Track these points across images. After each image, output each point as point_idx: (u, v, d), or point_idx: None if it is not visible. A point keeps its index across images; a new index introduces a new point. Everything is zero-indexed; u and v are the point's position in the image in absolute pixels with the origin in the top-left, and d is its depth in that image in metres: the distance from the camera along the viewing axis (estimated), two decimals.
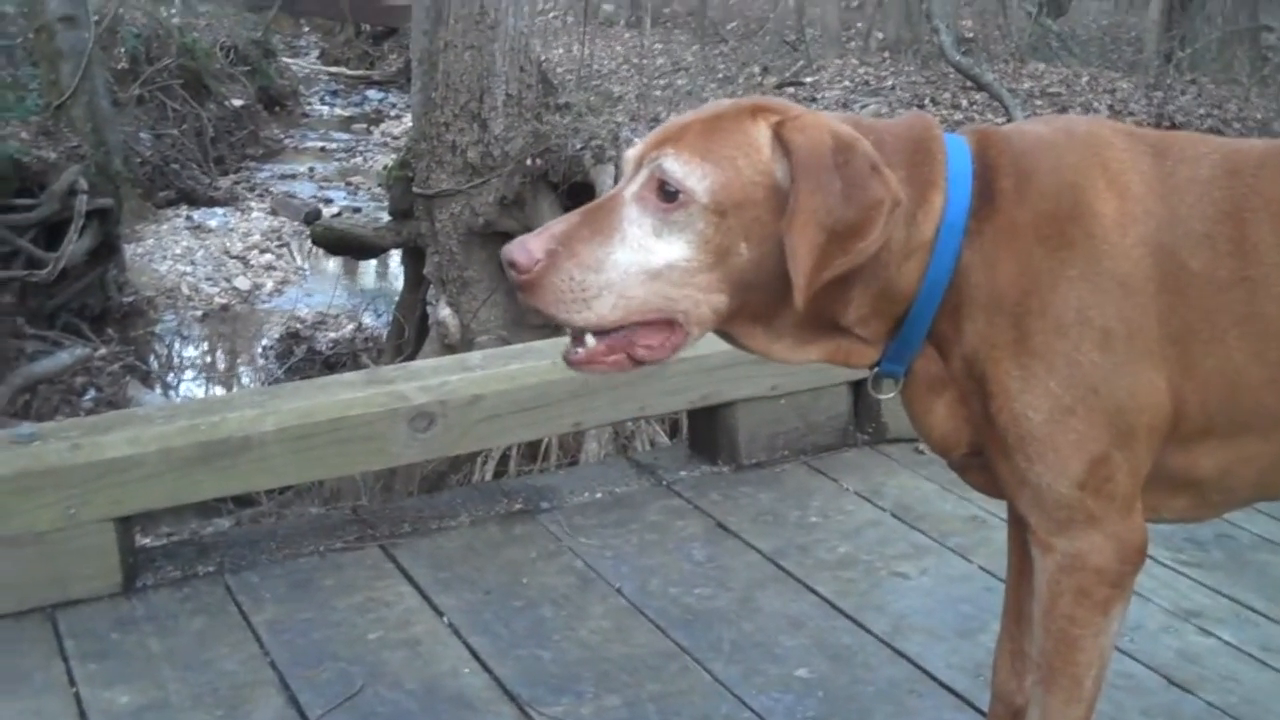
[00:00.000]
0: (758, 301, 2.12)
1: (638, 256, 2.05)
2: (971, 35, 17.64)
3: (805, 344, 2.21)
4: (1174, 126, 12.04)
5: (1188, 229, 2.12)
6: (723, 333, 2.19)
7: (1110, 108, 12.59)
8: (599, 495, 4.09)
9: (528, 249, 2.04)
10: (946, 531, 3.84)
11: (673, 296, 2.06)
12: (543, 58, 11.19)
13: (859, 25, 18.33)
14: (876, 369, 2.26)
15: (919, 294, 2.15)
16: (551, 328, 9.06)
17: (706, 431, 4.34)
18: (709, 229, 2.04)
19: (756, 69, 14.05)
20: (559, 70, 12.56)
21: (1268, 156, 2.20)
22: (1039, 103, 12.58)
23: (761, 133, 2.08)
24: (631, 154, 2.14)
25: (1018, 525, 2.42)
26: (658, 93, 11.96)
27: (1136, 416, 2.11)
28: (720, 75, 13.79)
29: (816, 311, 2.12)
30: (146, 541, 4.37)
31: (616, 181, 8.05)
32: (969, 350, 2.15)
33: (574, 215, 2.11)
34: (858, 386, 4.38)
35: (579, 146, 9.28)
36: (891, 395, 2.29)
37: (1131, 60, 16.71)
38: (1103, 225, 2.10)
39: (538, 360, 3.92)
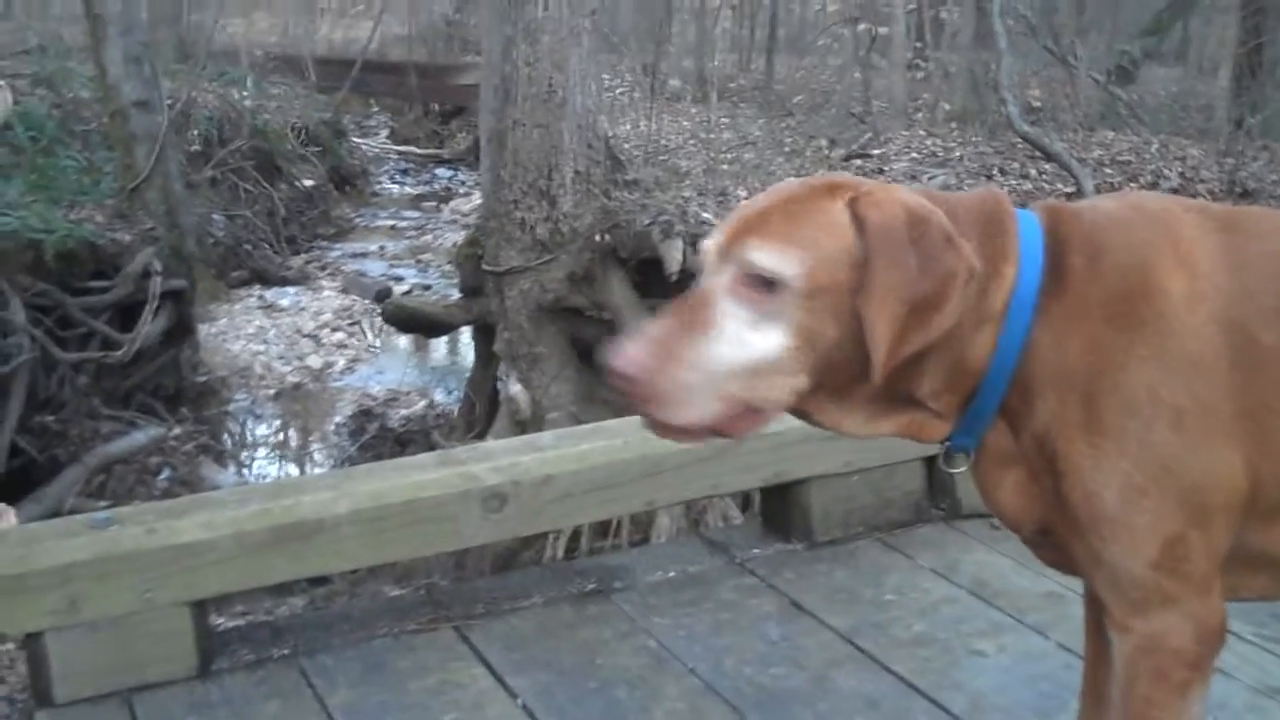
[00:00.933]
0: (835, 379, 2.11)
1: (737, 351, 2.04)
2: (1039, 104, 17.60)
3: (878, 418, 2.19)
4: (1246, 193, 11.96)
5: (1259, 304, 2.10)
6: (796, 410, 2.17)
7: (1181, 175, 12.51)
8: (672, 574, 4.07)
9: (630, 358, 2.03)
10: (1024, 608, 3.79)
11: (763, 388, 2.06)
12: (610, 134, 11.25)
13: (925, 96, 18.33)
14: (948, 443, 2.24)
15: (990, 367, 2.14)
16: (617, 405, 9.06)
17: (780, 508, 4.32)
18: (801, 315, 2.03)
19: (823, 142, 14.07)
20: (626, 146, 12.62)
21: None
22: (1109, 171, 12.53)
23: (840, 211, 2.08)
24: (712, 245, 2.13)
25: (1094, 605, 2.40)
26: (724, 167, 11.99)
27: (1212, 495, 2.09)
28: (787, 149, 13.82)
29: (891, 385, 2.11)
30: (221, 622, 4.39)
31: (687, 264, 8.08)
32: (1039, 428, 2.13)
33: (667, 317, 2.09)
34: (931, 462, 4.34)
35: (647, 222, 9.32)
36: (963, 470, 2.27)
37: (1202, 127, 16.62)
38: (1172, 304, 2.09)
39: (609, 440, 3.92)
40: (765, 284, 2.03)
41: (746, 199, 2.26)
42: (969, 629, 3.71)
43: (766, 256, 2.03)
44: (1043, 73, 18.28)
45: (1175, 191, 11.46)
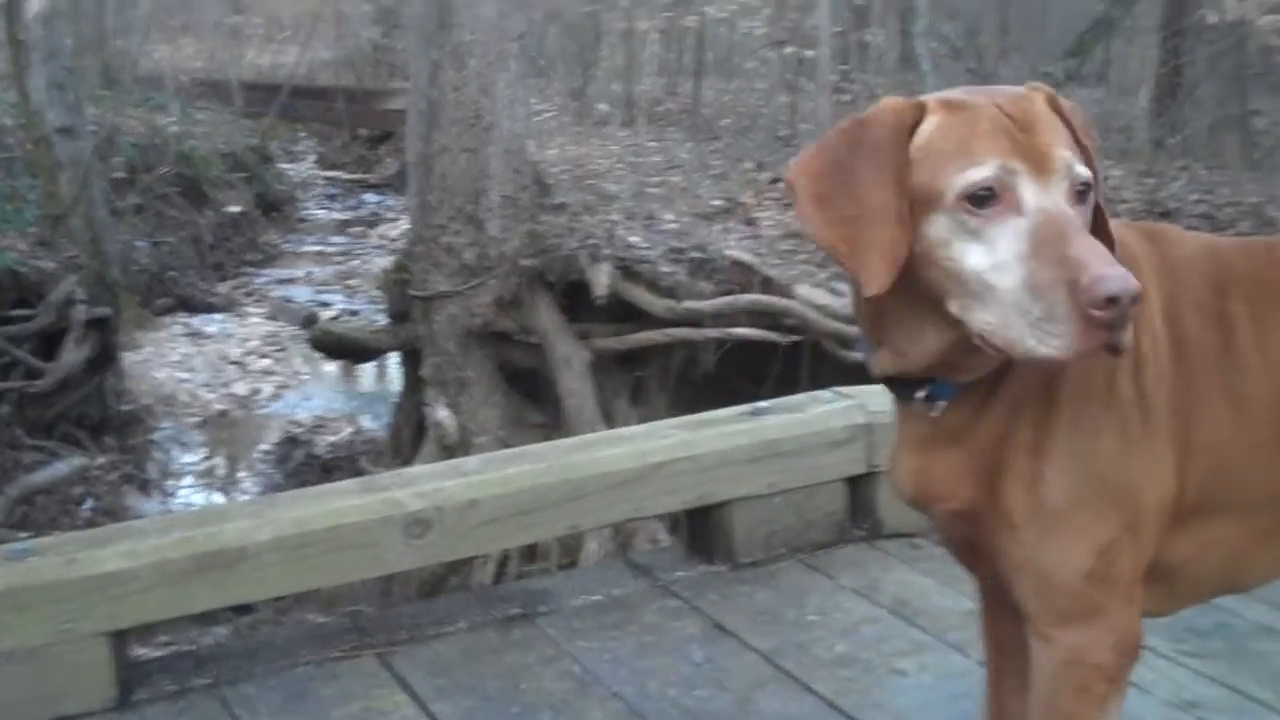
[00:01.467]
0: None
1: None
2: None
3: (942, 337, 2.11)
4: (1166, 213, 12.10)
5: (1186, 300, 2.16)
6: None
7: (1103, 195, 12.64)
8: (596, 597, 4.07)
9: (1128, 277, 1.85)
10: (944, 627, 3.82)
11: None
12: (537, 158, 11.27)
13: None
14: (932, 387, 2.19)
15: None
16: (546, 429, 9.04)
17: (703, 531, 4.32)
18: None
19: (750, 164, 14.10)
20: (554, 170, 12.63)
21: (1233, 241, 2.29)
22: None
23: (1047, 106, 2.06)
24: (1013, 164, 1.95)
25: (996, 614, 2.40)
26: (652, 190, 12.01)
27: (1147, 495, 2.12)
28: (715, 171, 13.85)
29: None
30: (145, 653, 4.35)
31: (614, 288, 8.05)
32: (1017, 394, 2.12)
33: (1076, 236, 1.91)
34: (853, 483, 4.38)
35: (574, 246, 9.35)
36: (939, 414, 2.18)
37: (1123, 147, 16.80)
38: None
39: (533, 464, 3.92)
40: (1083, 194, 1.98)
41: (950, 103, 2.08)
42: (890, 648, 3.73)
43: (1079, 166, 1.98)
44: None
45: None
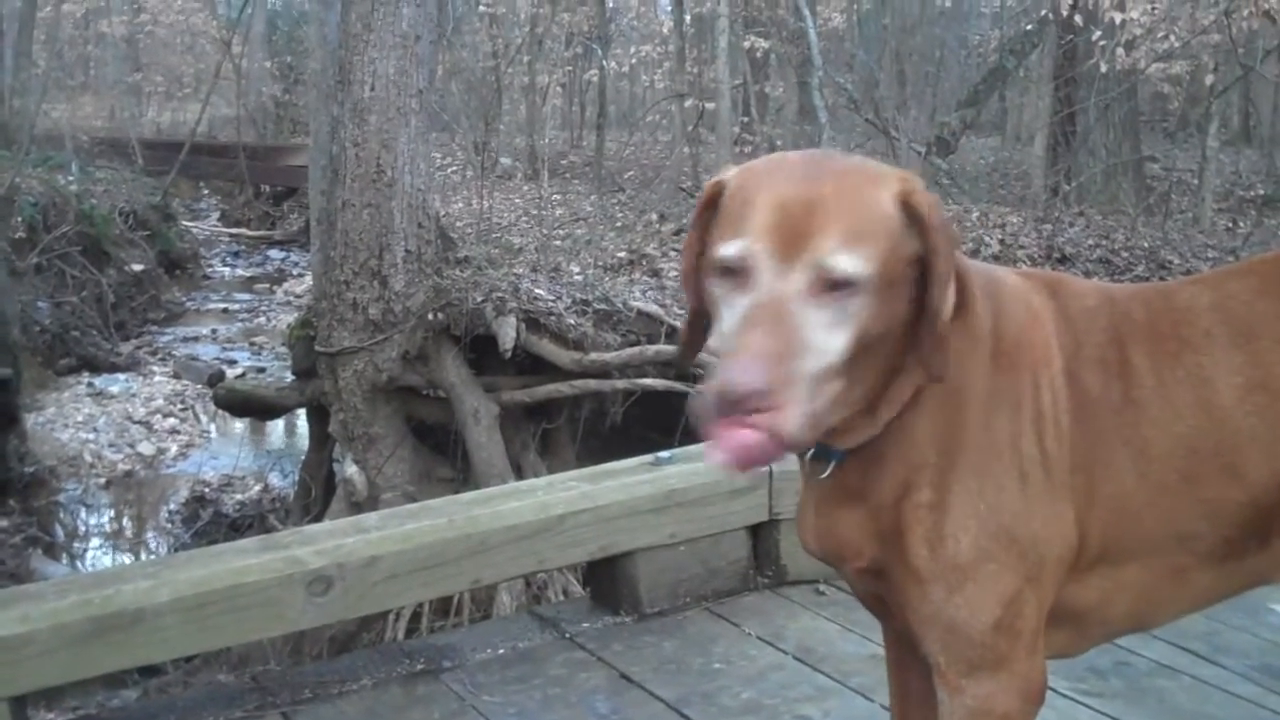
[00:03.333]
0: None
1: (819, 361, 1.92)
2: None
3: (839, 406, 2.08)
4: (1064, 258, 12.30)
5: (1087, 355, 2.19)
6: None
7: (1001, 241, 12.83)
8: (501, 651, 4.06)
9: (751, 370, 1.84)
10: (848, 671, 3.84)
11: (829, 389, 1.96)
12: (441, 213, 11.27)
13: None
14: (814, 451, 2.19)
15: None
16: (455, 483, 9.01)
17: (608, 582, 4.33)
18: (866, 315, 1.95)
19: (654, 216, 14.20)
20: (458, 224, 12.66)
21: (1133, 290, 2.31)
22: None
23: (890, 203, 2.01)
24: (761, 246, 1.96)
25: (901, 663, 2.43)
26: (558, 243, 12.06)
27: (1048, 549, 2.14)
28: (619, 223, 13.94)
29: (855, 383, 2.04)
30: (52, 717, 4.30)
31: (521, 341, 8.03)
32: (914, 455, 2.13)
33: (751, 330, 1.90)
34: (756, 530, 4.41)
35: (480, 300, 9.34)
36: (826, 475, 2.20)
37: (1020, 195, 17.07)
38: (1035, 355, 2.16)
39: (434, 519, 3.91)
40: (839, 285, 1.92)
41: (756, 181, 2.08)
42: (795, 694, 3.75)
43: (842, 258, 1.93)
44: (866, 145, 18.66)
45: (996, 258, 11.74)
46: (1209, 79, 15.31)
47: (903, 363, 2.09)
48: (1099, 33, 14.22)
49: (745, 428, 1.85)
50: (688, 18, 24.73)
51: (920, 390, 2.11)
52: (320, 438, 10.59)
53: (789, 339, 1.88)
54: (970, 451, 2.11)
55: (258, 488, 12.11)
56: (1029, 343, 2.17)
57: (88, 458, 12.67)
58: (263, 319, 18.48)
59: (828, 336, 1.92)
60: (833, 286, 1.92)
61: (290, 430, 14.09)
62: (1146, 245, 12.83)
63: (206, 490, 12.10)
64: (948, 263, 2.01)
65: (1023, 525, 2.11)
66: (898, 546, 2.15)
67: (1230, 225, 15.26)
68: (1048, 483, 2.13)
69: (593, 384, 9.58)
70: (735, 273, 1.97)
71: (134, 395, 14.42)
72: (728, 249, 1.97)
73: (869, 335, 1.96)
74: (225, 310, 19.16)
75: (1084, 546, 2.18)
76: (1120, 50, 13.88)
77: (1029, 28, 17.96)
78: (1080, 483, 2.15)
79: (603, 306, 9.75)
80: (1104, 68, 14.25)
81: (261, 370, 15.08)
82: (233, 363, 15.93)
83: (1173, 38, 14.94)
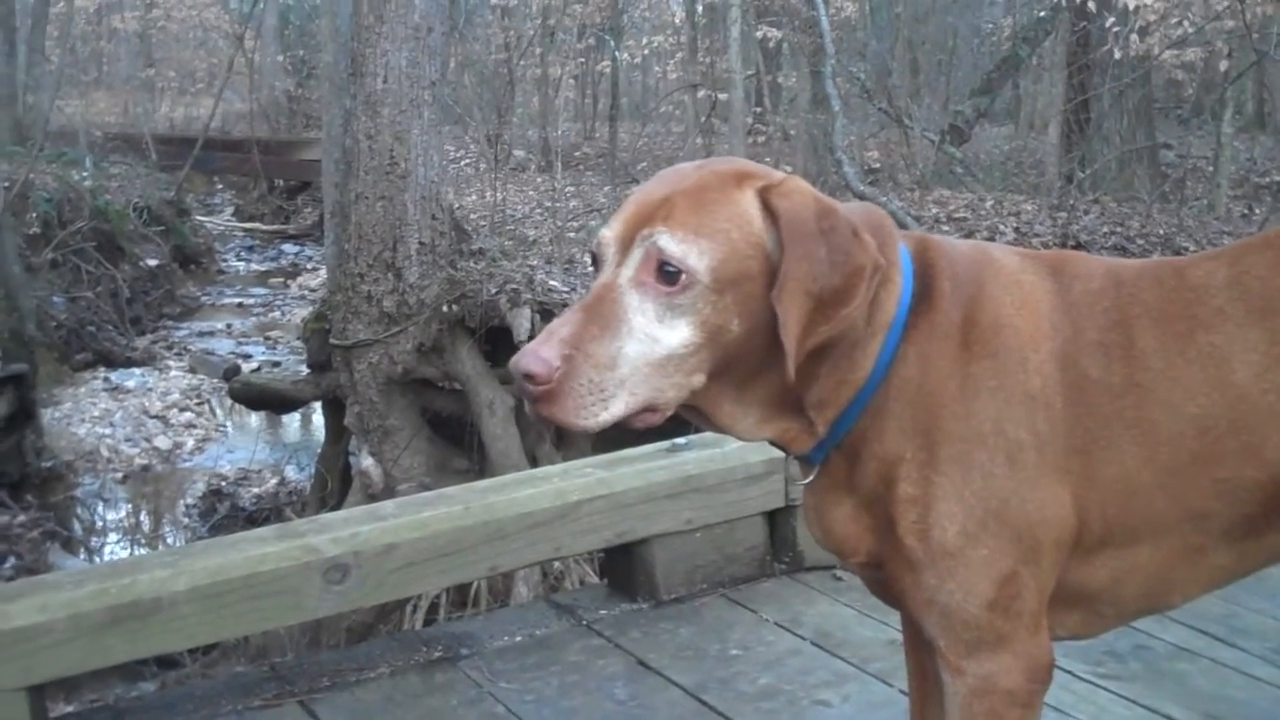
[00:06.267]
0: (732, 375, 2.08)
1: (645, 348, 1.98)
2: (877, 165, 17.94)
3: (766, 422, 2.17)
4: (1079, 246, 12.23)
5: (1087, 339, 2.17)
6: (690, 408, 2.12)
7: (1016, 229, 12.80)
8: (519, 638, 4.06)
9: (543, 358, 1.94)
10: (867, 657, 3.84)
11: (664, 385, 2.01)
12: (455, 205, 11.27)
13: (767, 159, 18.60)
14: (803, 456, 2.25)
15: (867, 380, 2.14)
16: (471, 474, 9.01)
17: (624, 569, 4.33)
18: (708, 309, 1.99)
19: None
20: (472, 217, 12.65)
21: (1145, 268, 2.27)
22: (946, 228, 12.77)
23: (750, 201, 2.04)
24: (611, 234, 2.06)
25: (916, 645, 2.43)
26: (571, 234, 12.05)
27: (1044, 532, 2.13)
28: None
29: (787, 389, 2.09)
30: (70, 709, 4.31)
31: (535, 332, 8.05)
32: (889, 451, 2.15)
33: (575, 313, 2.01)
34: (773, 516, 4.41)
35: (494, 291, 9.33)
36: (809, 480, 2.26)
37: (1034, 183, 17.02)
38: (1021, 339, 2.14)
39: (450, 506, 3.91)
40: (674, 276, 1.98)
41: (639, 185, 2.17)
42: (814, 680, 3.75)
43: (676, 246, 1.98)
44: (880, 134, 18.63)
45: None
46: (1223, 65, 15.27)
47: (832, 368, 2.12)
48: (1112, 19, 14.19)
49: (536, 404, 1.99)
50: (699, 8, 24.74)
51: (891, 386, 2.14)
52: (336, 430, 10.60)
53: (603, 326, 1.98)
54: (950, 442, 2.11)
55: (274, 481, 12.13)
56: (1011, 326, 2.15)
57: (104, 452, 12.70)
58: (277, 313, 18.51)
59: (658, 327, 1.99)
60: (666, 277, 1.98)
61: (306, 423, 14.12)
62: (1162, 232, 12.78)
63: (223, 484, 12.12)
64: (799, 265, 2.00)
65: (1014, 509, 2.10)
66: (889, 538, 2.16)
67: (1246, 212, 15.19)
68: (1040, 466, 2.12)
69: None
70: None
71: (150, 390, 14.44)
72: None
73: (724, 333, 2.02)
74: (240, 305, 19.19)
75: (1085, 528, 2.17)
76: (1134, 37, 13.85)
77: (1042, 15, 17.92)
78: (1078, 465, 2.14)
79: None
80: (1118, 54, 14.22)
81: (277, 364, 15.10)
82: (248, 357, 15.95)
83: (1186, 24, 14.91)
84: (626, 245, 2.03)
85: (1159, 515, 2.19)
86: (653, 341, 1.98)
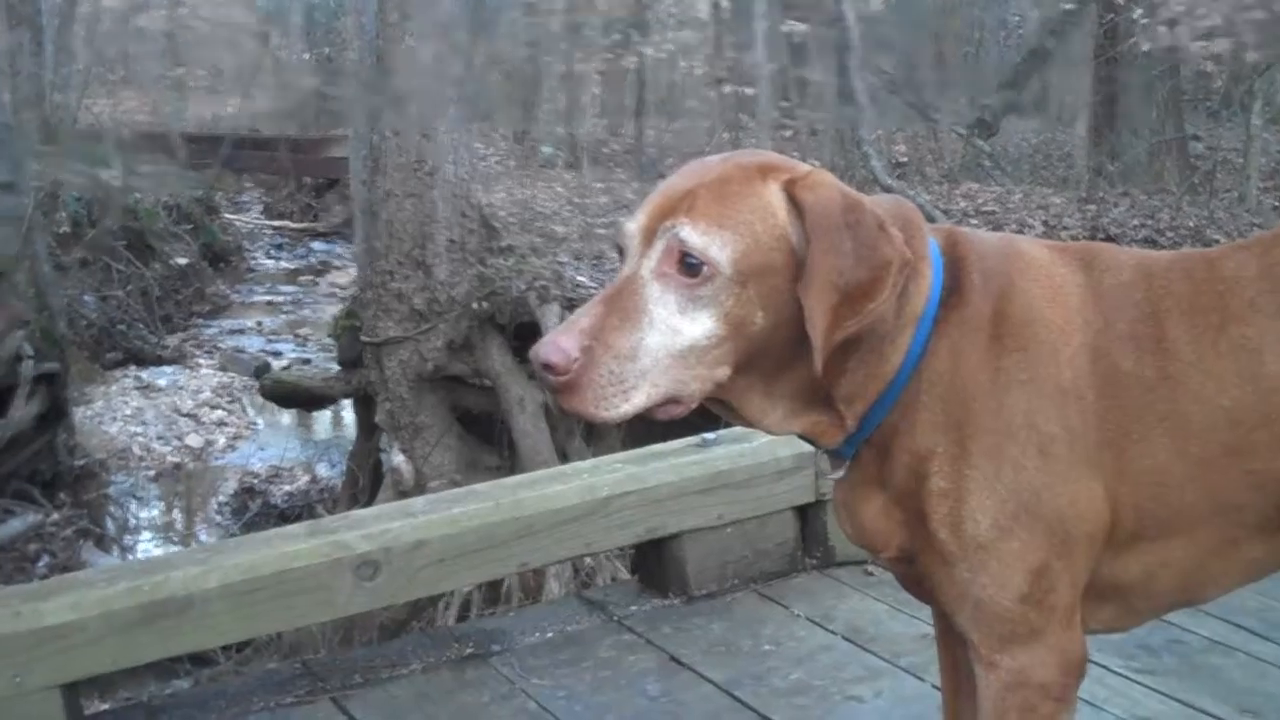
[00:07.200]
0: (758, 369, 2.08)
1: (666, 339, 1.98)
2: (905, 159, 17.88)
3: (793, 416, 2.17)
4: (1108, 238, 12.19)
5: (1118, 331, 2.16)
6: (716, 401, 2.12)
7: (1044, 223, 12.75)
8: (550, 635, 4.06)
9: (562, 348, 1.95)
10: (899, 652, 3.83)
11: (687, 377, 2.01)
12: (484, 202, 11.27)
13: (794, 154, 18.55)
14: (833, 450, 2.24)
15: (898, 374, 2.14)
16: (502, 471, 9.02)
17: (655, 564, 4.33)
18: (730, 301, 1.99)
19: None
20: (501, 214, 12.64)
21: (1175, 259, 2.26)
22: (974, 221, 12.73)
23: (774, 194, 2.05)
24: (634, 226, 2.07)
25: (948, 639, 2.42)
26: (599, 230, 12.04)
27: (1076, 525, 2.12)
28: None
29: (817, 381, 2.09)
30: (104, 707, 4.32)
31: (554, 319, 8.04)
32: (920, 445, 2.14)
33: (596, 304, 2.02)
34: (803, 511, 4.40)
35: (523, 288, 9.34)
36: (840, 475, 2.26)
37: (1063, 176, 16.96)
38: (1052, 332, 2.14)
39: (480, 503, 3.91)
40: (695, 268, 1.98)
41: (664, 179, 2.17)
42: (846, 675, 3.74)
43: (698, 238, 1.98)
44: (907, 128, 18.57)
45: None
46: (1252, 56, 15.18)
47: (860, 361, 2.12)
48: (1140, 11, 14.12)
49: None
50: (724, 3, 24.67)
51: (921, 380, 2.13)
52: (367, 428, 10.63)
53: (624, 317, 1.98)
54: (981, 435, 2.10)
55: (305, 478, 12.17)
56: (1042, 319, 2.15)
57: (136, 450, 12.74)
58: (307, 310, 18.54)
59: (679, 319, 1.99)
60: (688, 269, 1.99)
61: (337, 421, 14.15)
62: (1192, 224, 12.72)
63: (255, 481, 12.16)
64: (825, 259, 1.99)
65: (1046, 502, 2.10)
66: (921, 533, 2.16)
67: (1277, 204, 15.11)
68: (1072, 459, 2.11)
69: None
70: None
71: (181, 388, 14.49)
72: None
73: (747, 325, 2.01)
74: (270, 302, 19.22)
75: (1118, 522, 2.16)
76: (1161, 28, 13.77)
77: (1069, 7, 17.80)
78: (1110, 458, 2.13)
79: None
80: (1145, 46, 14.15)
81: (307, 361, 15.11)
82: (278, 354, 15.98)
83: (1215, 15, 14.82)
84: (649, 237, 2.04)
85: (1191, 508, 2.18)
86: (674, 333, 1.99)
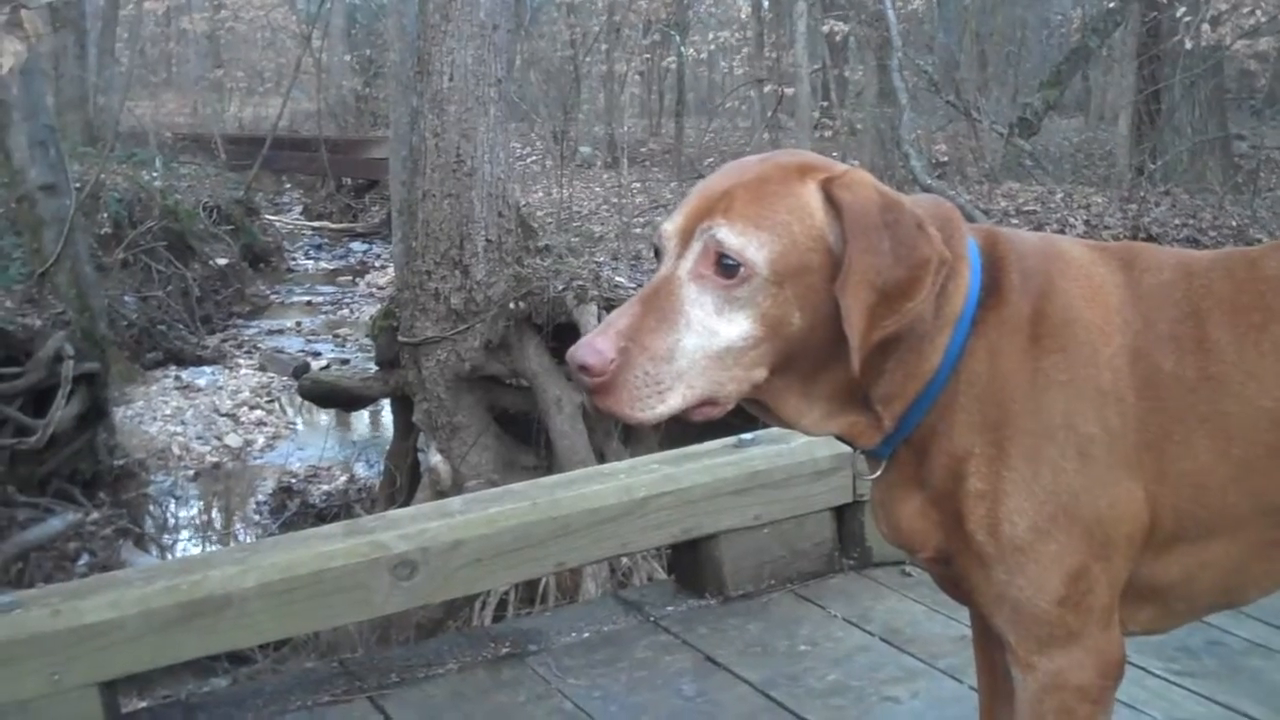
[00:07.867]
0: (796, 371, 2.07)
1: (702, 340, 1.97)
2: (945, 159, 17.83)
3: (831, 416, 2.15)
4: (1150, 238, 12.13)
5: (1158, 332, 2.14)
6: (753, 402, 2.11)
7: (1086, 222, 12.70)
8: (586, 635, 4.06)
9: (599, 350, 1.94)
10: (936, 653, 3.81)
11: (723, 379, 2.00)
12: (522, 202, 11.30)
13: (834, 154, 18.54)
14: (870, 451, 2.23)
15: (934, 375, 2.12)
16: (539, 471, 9.03)
17: (692, 565, 4.32)
18: (767, 302, 1.98)
19: None
20: (539, 214, 12.68)
21: (1216, 259, 2.24)
22: (1015, 221, 12.69)
23: (812, 194, 2.03)
24: (672, 227, 2.05)
25: (985, 641, 2.41)
26: (638, 231, 12.05)
27: (1115, 527, 2.10)
28: None
29: (854, 382, 2.07)
30: (143, 705, 4.34)
31: (595, 319, 8.04)
32: (958, 447, 2.12)
33: (633, 305, 2.00)
34: (840, 512, 4.38)
35: (561, 288, 9.36)
36: (877, 476, 2.25)
37: (1105, 175, 16.87)
38: (1092, 334, 2.11)
39: (517, 503, 3.91)
40: (732, 269, 1.97)
41: (702, 179, 2.16)
42: (883, 676, 3.72)
43: (734, 238, 1.97)
44: (948, 127, 18.51)
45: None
46: None
47: (899, 361, 2.10)
48: (1183, 9, 14.04)
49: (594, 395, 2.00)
50: (765, 2, 24.68)
51: (960, 380, 2.11)
52: (405, 427, 10.65)
53: (660, 318, 1.97)
54: (1020, 437, 2.08)
55: (343, 478, 12.21)
56: (1081, 320, 2.12)
57: (176, 450, 12.81)
58: (346, 311, 18.61)
59: (716, 320, 1.98)
60: (725, 270, 1.97)
61: (375, 421, 14.19)
62: (1235, 224, 12.65)
63: (293, 481, 12.20)
64: (863, 259, 1.97)
65: (1085, 504, 2.08)
66: (959, 534, 2.14)
67: None
68: (1111, 460, 2.09)
69: None
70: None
71: (220, 388, 14.56)
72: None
73: (785, 326, 2.00)
74: (309, 303, 19.31)
75: (1157, 524, 2.14)
76: (1205, 26, 13.69)
77: (1111, 5, 17.72)
78: (1150, 460, 2.11)
79: None
80: (1188, 44, 14.06)
81: (345, 361, 15.17)
82: (317, 354, 16.05)
83: (1259, 13, 14.73)
84: (687, 238, 2.02)
85: (1232, 510, 2.16)
86: (711, 334, 1.97)
